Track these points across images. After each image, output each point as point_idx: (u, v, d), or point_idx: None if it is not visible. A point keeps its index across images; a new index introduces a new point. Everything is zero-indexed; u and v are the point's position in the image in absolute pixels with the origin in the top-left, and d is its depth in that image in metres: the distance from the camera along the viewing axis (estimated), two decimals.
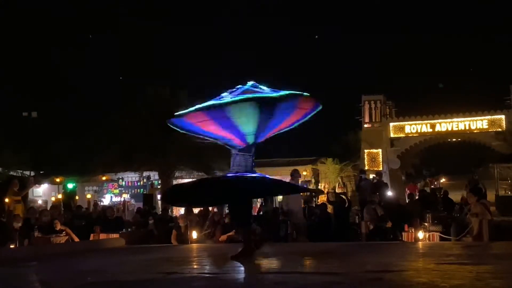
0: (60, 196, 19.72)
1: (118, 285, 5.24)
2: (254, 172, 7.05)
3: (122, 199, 23.97)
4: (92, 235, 12.48)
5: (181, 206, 13.61)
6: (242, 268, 6.30)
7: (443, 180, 30.18)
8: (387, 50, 53.97)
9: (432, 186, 27.57)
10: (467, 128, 25.70)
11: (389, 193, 16.33)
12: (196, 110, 6.84)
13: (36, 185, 22.88)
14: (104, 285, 5.32)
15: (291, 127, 7.40)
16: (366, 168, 24.28)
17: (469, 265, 6.25)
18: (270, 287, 4.75)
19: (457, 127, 25.86)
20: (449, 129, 26.01)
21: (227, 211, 11.67)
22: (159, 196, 20.05)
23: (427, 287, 4.46)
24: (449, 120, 25.97)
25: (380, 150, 26.59)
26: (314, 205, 14.62)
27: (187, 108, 6.98)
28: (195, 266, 7.10)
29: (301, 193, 12.65)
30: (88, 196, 21.48)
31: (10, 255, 9.35)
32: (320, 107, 7.21)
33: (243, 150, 7.03)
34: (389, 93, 28.49)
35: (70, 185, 20.61)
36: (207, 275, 6.01)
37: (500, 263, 6.32)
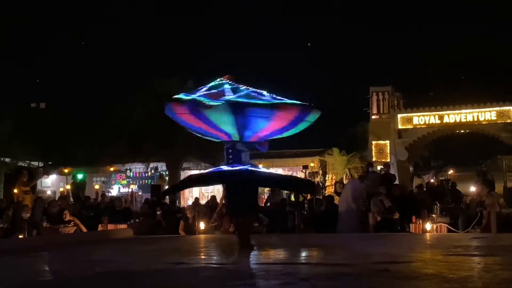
0: (68, 186, 19.81)
1: (126, 275, 5.27)
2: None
3: (130, 190, 24.02)
4: (100, 225, 12.54)
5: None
6: (250, 259, 6.32)
7: (451, 171, 30.03)
8: (395, 42, 53.80)
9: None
10: (475, 119, 25.53)
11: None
12: (177, 100, 6.89)
13: (45, 175, 23.00)
14: (112, 275, 5.35)
15: (289, 131, 7.33)
16: (374, 159, 24.21)
17: (477, 256, 6.25)
18: (277, 278, 4.76)
19: (465, 118, 25.68)
20: (457, 120, 25.84)
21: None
22: (166, 187, 20.06)
23: (434, 278, 4.46)
24: (457, 111, 25.79)
25: (387, 142, 26.48)
26: (321, 197, 14.62)
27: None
28: (202, 257, 7.13)
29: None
30: (96, 187, 21.53)
31: (20, 245, 9.43)
32: (319, 113, 7.17)
33: (231, 147, 7.07)
34: (397, 85, 28.33)
35: (79, 176, 20.72)
36: (215, 266, 6.04)
37: (508, 254, 6.31)
